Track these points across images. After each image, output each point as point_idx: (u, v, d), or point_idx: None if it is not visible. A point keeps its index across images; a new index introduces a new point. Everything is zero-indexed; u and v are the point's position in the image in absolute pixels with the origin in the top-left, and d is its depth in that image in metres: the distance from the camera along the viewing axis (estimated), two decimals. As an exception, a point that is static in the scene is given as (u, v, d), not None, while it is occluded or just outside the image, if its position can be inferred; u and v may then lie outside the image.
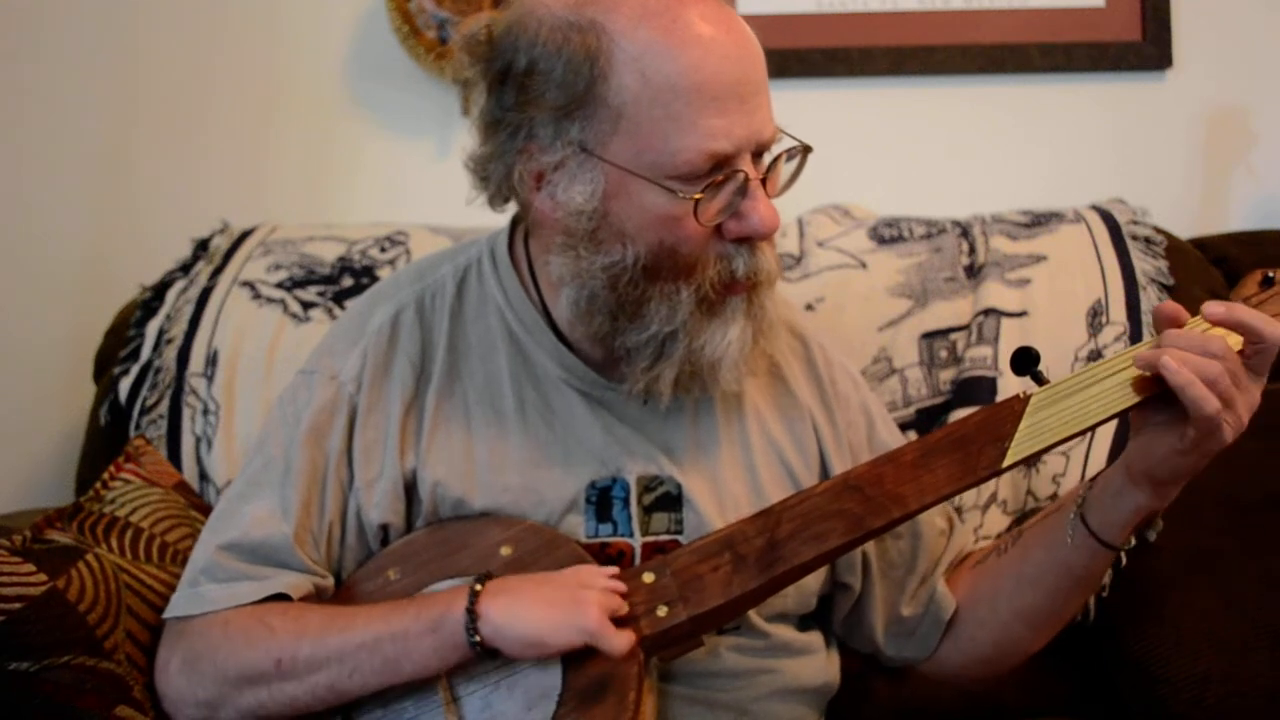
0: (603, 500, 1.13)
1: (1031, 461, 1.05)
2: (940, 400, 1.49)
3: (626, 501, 1.14)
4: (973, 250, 1.57)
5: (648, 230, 1.04)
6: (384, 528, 1.13)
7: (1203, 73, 1.87)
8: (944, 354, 1.50)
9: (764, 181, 1.05)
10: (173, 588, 1.17)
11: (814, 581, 1.19)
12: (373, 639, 1.03)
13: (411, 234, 1.64)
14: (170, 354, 1.53)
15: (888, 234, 1.60)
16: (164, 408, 1.51)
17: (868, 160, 1.81)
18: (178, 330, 1.55)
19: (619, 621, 1.02)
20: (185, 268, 1.63)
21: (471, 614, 1.01)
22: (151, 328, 1.57)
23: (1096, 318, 1.48)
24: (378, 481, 1.13)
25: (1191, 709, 1.27)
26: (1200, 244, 1.65)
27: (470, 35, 1.08)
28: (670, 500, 1.14)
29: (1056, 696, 1.42)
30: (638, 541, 1.13)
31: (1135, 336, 1.47)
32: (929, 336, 1.51)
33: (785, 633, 1.17)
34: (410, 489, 1.14)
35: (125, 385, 1.54)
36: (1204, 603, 1.32)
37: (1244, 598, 1.31)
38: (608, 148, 1.02)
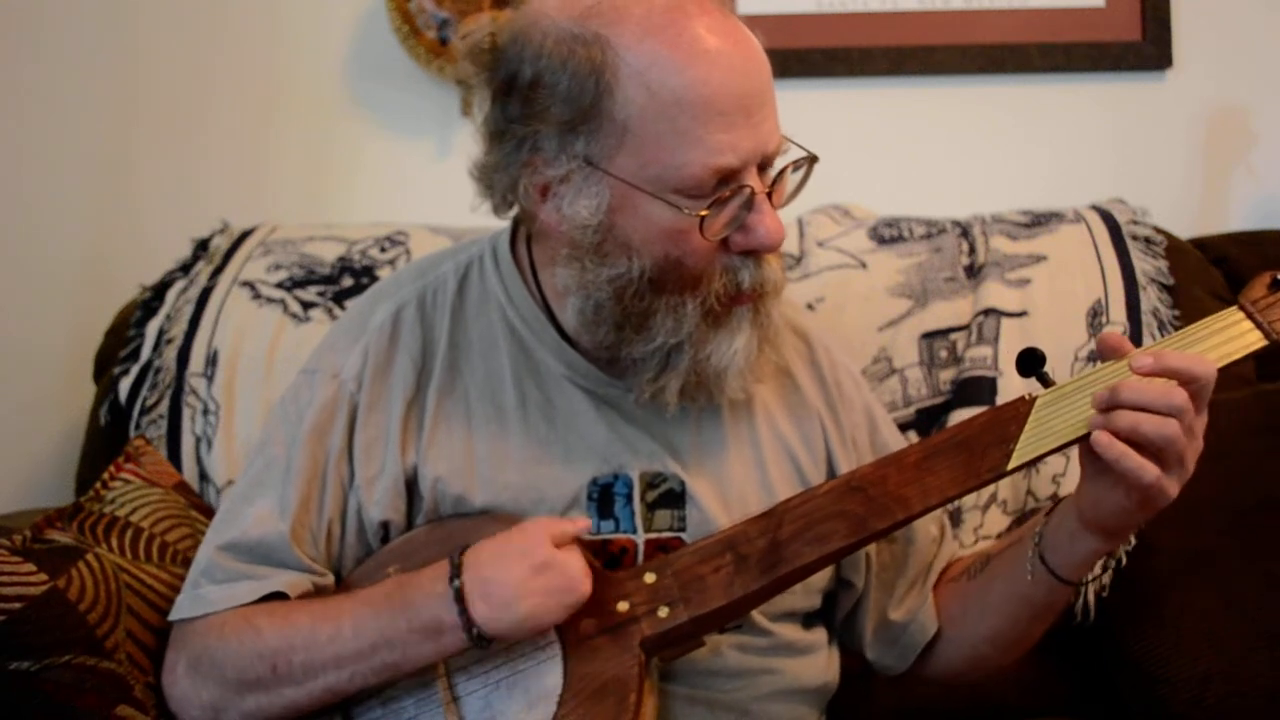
0: (604, 497, 1.13)
1: (1036, 463, 1.05)
2: (940, 400, 1.49)
3: (629, 498, 1.14)
4: (973, 250, 1.57)
5: (653, 244, 1.04)
6: (384, 525, 1.13)
7: (1203, 73, 1.88)
8: (944, 354, 1.50)
9: (770, 193, 1.05)
10: (173, 587, 1.17)
11: (820, 578, 1.19)
12: (369, 647, 1.03)
13: (411, 234, 1.64)
14: (170, 354, 1.53)
15: (888, 234, 1.60)
16: (164, 408, 1.51)
17: (868, 160, 1.81)
18: (178, 330, 1.55)
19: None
20: (185, 268, 1.63)
21: (469, 623, 1.01)
22: (151, 328, 1.57)
23: (1096, 318, 1.49)
24: (378, 479, 1.13)
25: (1191, 709, 1.27)
26: (1200, 244, 1.65)
27: (475, 43, 1.08)
28: (674, 497, 1.14)
29: (1056, 696, 1.42)
30: (640, 538, 1.13)
31: (1135, 336, 1.47)
32: (929, 336, 1.51)
33: (789, 632, 1.17)
34: (411, 486, 1.14)
35: (125, 385, 1.54)
36: (1204, 603, 1.31)
37: (1244, 598, 1.31)
38: (613, 162, 1.02)
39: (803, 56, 1.87)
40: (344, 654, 1.04)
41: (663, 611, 1.04)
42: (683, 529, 1.13)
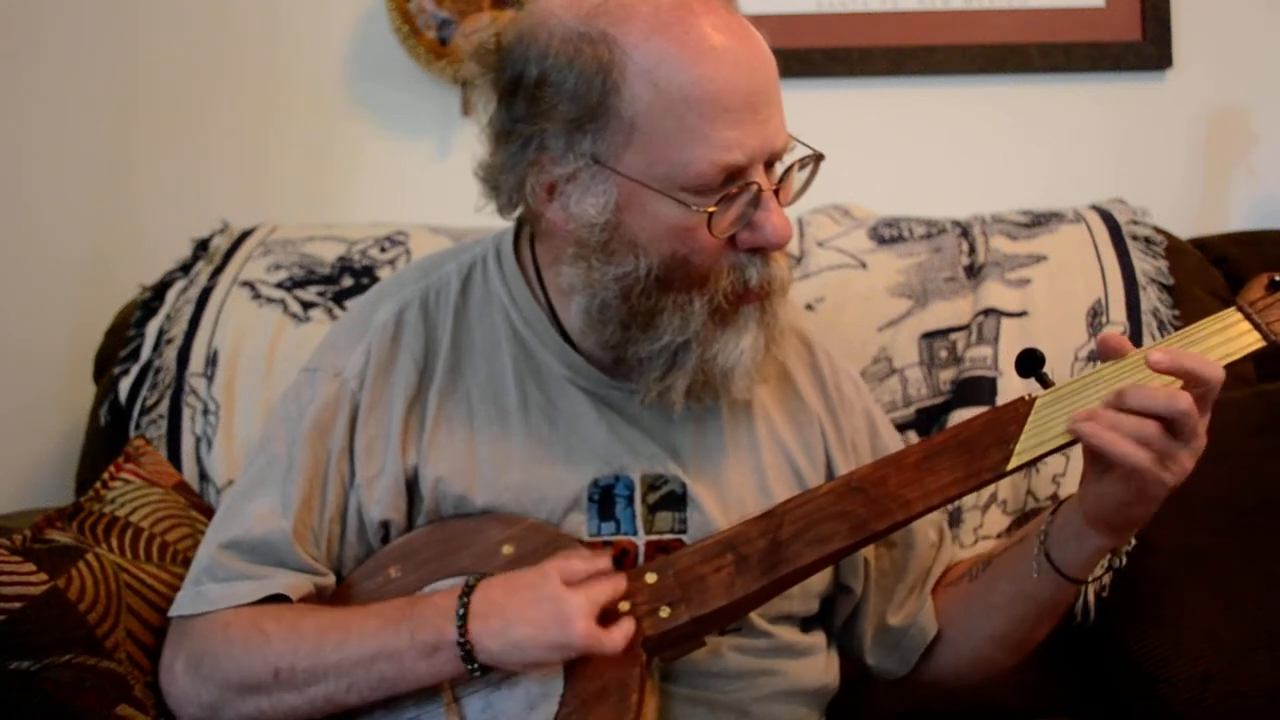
0: (605, 498, 1.13)
1: (1035, 464, 1.05)
2: (940, 400, 1.49)
3: (631, 500, 1.13)
4: (973, 250, 1.57)
5: (660, 241, 1.04)
6: (385, 525, 1.13)
7: (1203, 73, 1.88)
8: (944, 354, 1.50)
9: (776, 191, 1.05)
10: (173, 587, 1.17)
11: (818, 583, 1.19)
12: (369, 657, 1.03)
13: (411, 234, 1.64)
14: (170, 354, 1.53)
15: (888, 234, 1.60)
16: (164, 408, 1.51)
17: (868, 160, 1.81)
18: (178, 330, 1.55)
19: (613, 613, 1.02)
20: (185, 268, 1.63)
21: (465, 644, 1.00)
22: (151, 328, 1.57)
23: (1096, 318, 1.49)
24: (379, 478, 1.13)
25: (1191, 709, 1.27)
26: (1200, 244, 1.65)
27: (480, 43, 1.08)
28: (675, 499, 1.14)
29: (1056, 696, 1.42)
30: (641, 540, 1.13)
31: (1135, 336, 1.47)
32: (929, 336, 1.51)
33: (788, 634, 1.17)
34: (412, 486, 1.14)
35: (125, 385, 1.54)
36: (1204, 603, 1.31)
37: (1244, 598, 1.31)
38: (620, 160, 1.02)
39: (803, 56, 1.87)
40: (345, 662, 1.03)
41: (664, 611, 1.04)
42: (684, 531, 1.13)
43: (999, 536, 1.41)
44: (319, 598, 1.12)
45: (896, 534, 1.19)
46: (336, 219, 1.77)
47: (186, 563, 1.21)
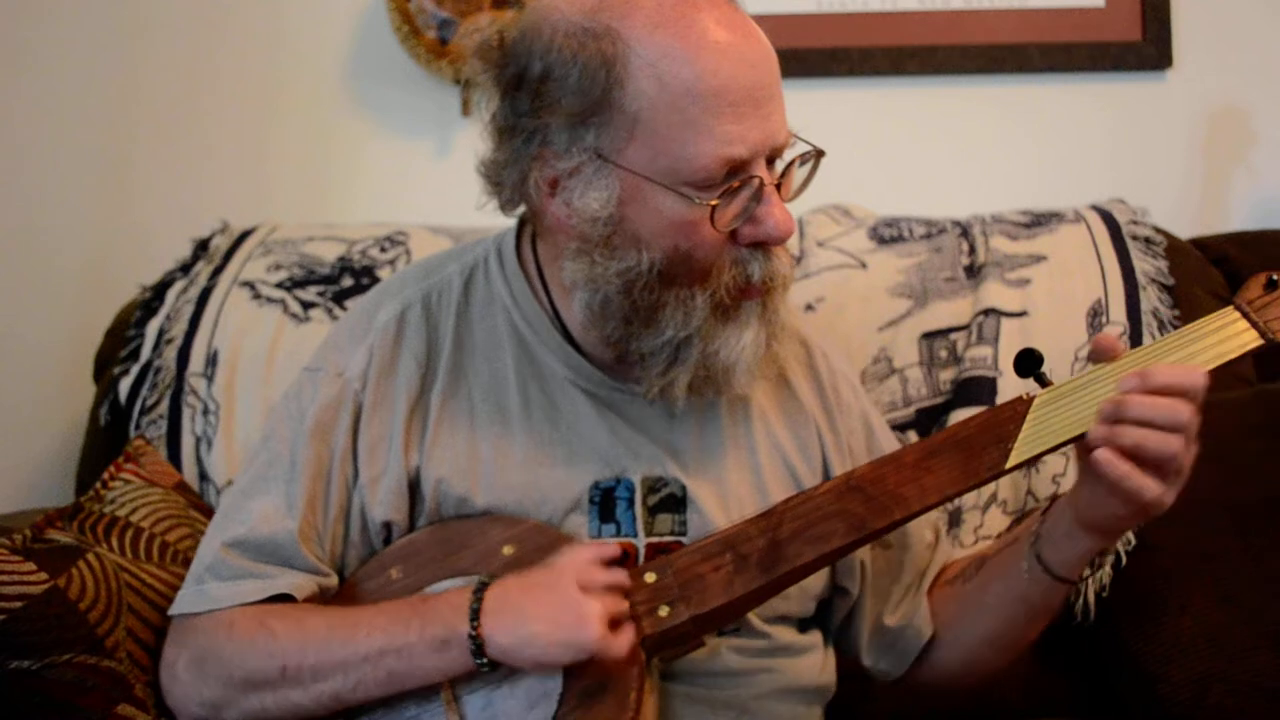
0: (606, 501, 1.13)
1: (1033, 462, 1.05)
2: (940, 400, 1.49)
3: (631, 502, 1.13)
4: (973, 250, 1.57)
5: (663, 236, 1.04)
6: (387, 525, 1.13)
7: (1203, 73, 1.88)
8: (944, 354, 1.50)
9: (778, 186, 1.05)
10: (173, 586, 1.17)
11: (815, 585, 1.19)
12: (376, 652, 1.03)
13: (411, 234, 1.64)
14: (170, 354, 1.53)
15: (888, 234, 1.60)
16: (164, 408, 1.51)
17: (868, 160, 1.81)
18: (178, 330, 1.55)
19: (619, 619, 1.02)
20: (185, 268, 1.63)
21: (476, 638, 1.01)
22: (151, 328, 1.57)
23: (1096, 318, 1.49)
24: (382, 479, 1.13)
25: (1191, 709, 1.27)
26: (1200, 244, 1.65)
27: (483, 41, 1.08)
28: (675, 502, 1.14)
29: (1057, 696, 1.42)
30: (642, 542, 1.13)
31: (1135, 336, 1.47)
32: (929, 336, 1.51)
33: (785, 634, 1.18)
34: (414, 487, 1.14)
35: (125, 385, 1.54)
36: (1204, 603, 1.31)
37: (1244, 598, 1.31)
38: (623, 154, 1.02)
39: (803, 56, 1.87)
40: (354, 658, 1.03)
41: (663, 611, 1.04)
42: (684, 533, 1.13)
43: (999, 536, 1.41)
44: (322, 598, 1.12)
45: (892, 534, 1.19)
46: (336, 219, 1.77)
47: (187, 563, 1.21)
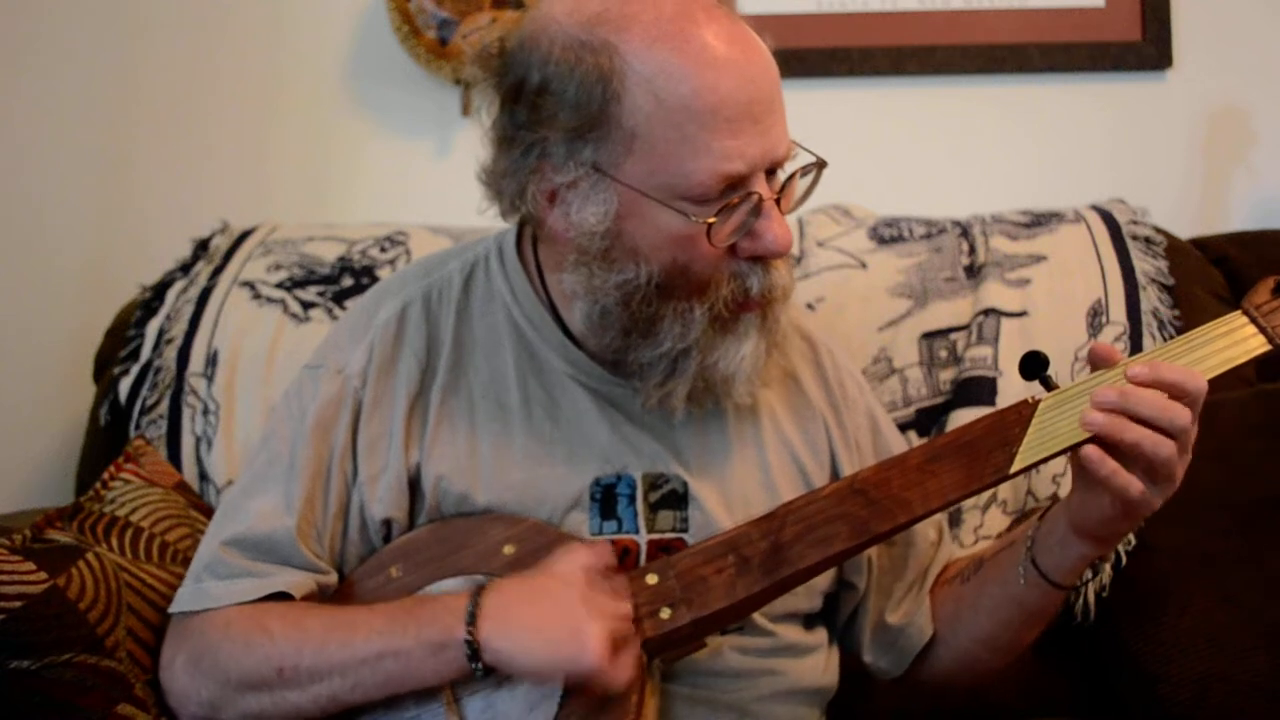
0: (607, 497, 1.13)
1: (1038, 467, 1.05)
2: (940, 400, 1.49)
3: (632, 498, 1.13)
4: (973, 250, 1.57)
5: (661, 250, 1.04)
6: (387, 523, 1.13)
7: (1203, 73, 1.88)
8: (944, 354, 1.50)
9: (778, 199, 1.05)
10: (173, 586, 1.16)
11: (823, 580, 1.19)
12: (374, 655, 1.03)
13: (411, 234, 1.64)
14: (170, 354, 1.53)
15: (888, 234, 1.60)
16: (164, 408, 1.51)
17: (868, 160, 1.81)
18: (178, 330, 1.55)
19: (621, 647, 1.01)
20: (185, 268, 1.63)
21: (472, 643, 1.00)
22: (151, 328, 1.57)
23: (1096, 318, 1.49)
24: (382, 476, 1.13)
25: (1191, 709, 1.27)
26: (1200, 244, 1.65)
27: (483, 47, 1.08)
28: (676, 498, 1.14)
29: (1056, 696, 1.42)
30: (643, 539, 1.13)
31: (1135, 336, 1.47)
32: (929, 336, 1.51)
33: (790, 633, 1.17)
34: (414, 484, 1.13)
35: (125, 385, 1.54)
36: (1204, 603, 1.31)
37: (1244, 598, 1.31)
38: (621, 169, 1.02)
39: (803, 56, 1.87)
40: (351, 660, 1.03)
41: (665, 613, 1.04)
42: (685, 530, 1.13)
43: (999, 536, 1.41)
44: (321, 596, 1.12)
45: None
46: (336, 219, 1.77)
47: (186, 562, 1.21)
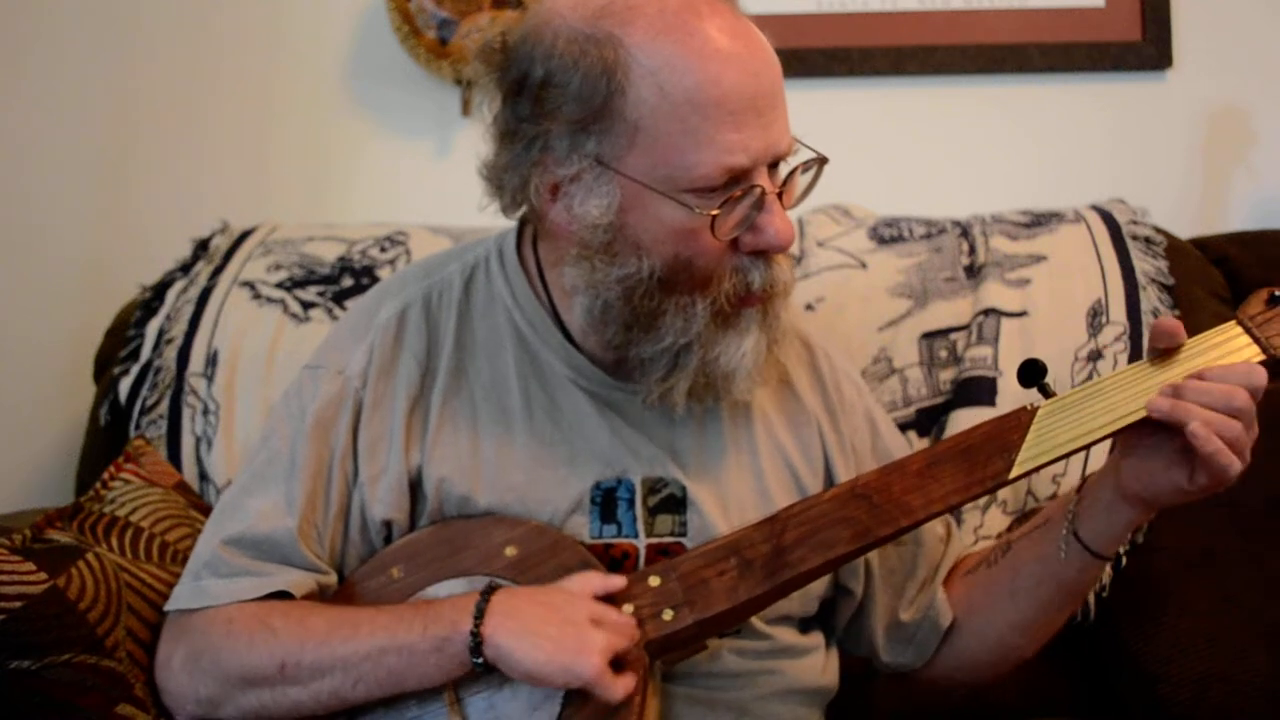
0: (607, 501, 1.13)
1: (1036, 472, 1.06)
2: (940, 400, 1.49)
3: (631, 503, 1.13)
4: (973, 250, 1.57)
5: (663, 243, 1.04)
6: (387, 524, 1.13)
7: (1203, 73, 1.88)
8: (944, 354, 1.50)
9: (780, 194, 1.05)
10: (173, 586, 1.17)
11: (818, 585, 1.19)
12: (377, 650, 1.03)
13: (411, 234, 1.64)
14: (170, 354, 1.53)
15: (888, 234, 1.60)
16: (164, 408, 1.51)
17: (868, 160, 1.81)
18: (178, 330, 1.55)
19: (622, 662, 1.02)
20: (185, 268, 1.63)
21: (476, 635, 1.00)
22: (151, 328, 1.57)
23: (1096, 318, 1.49)
24: (382, 477, 1.13)
25: (1191, 709, 1.27)
26: (1200, 244, 1.65)
27: (485, 42, 1.08)
28: (675, 503, 1.14)
29: (1056, 696, 1.42)
30: (642, 543, 1.13)
31: (1135, 336, 1.47)
32: (929, 336, 1.51)
33: (787, 635, 1.18)
34: (415, 485, 1.14)
35: (125, 385, 1.54)
36: (1204, 603, 1.32)
37: (1244, 598, 1.31)
38: (624, 161, 1.02)
39: (803, 56, 1.87)
40: (354, 656, 1.03)
41: (667, 614, 1.05)
42: (684, 534, 1.13)
43: (998, 536, 1.41)
44: (321, 596, 1.12)
45: (905, 532, 1.20)
46: (336, 219, 1.77)
47: (186, 562, 1.21)
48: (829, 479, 1.21)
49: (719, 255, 1.04)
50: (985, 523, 1.42)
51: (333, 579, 1.13)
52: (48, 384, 1.81)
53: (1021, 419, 1.04)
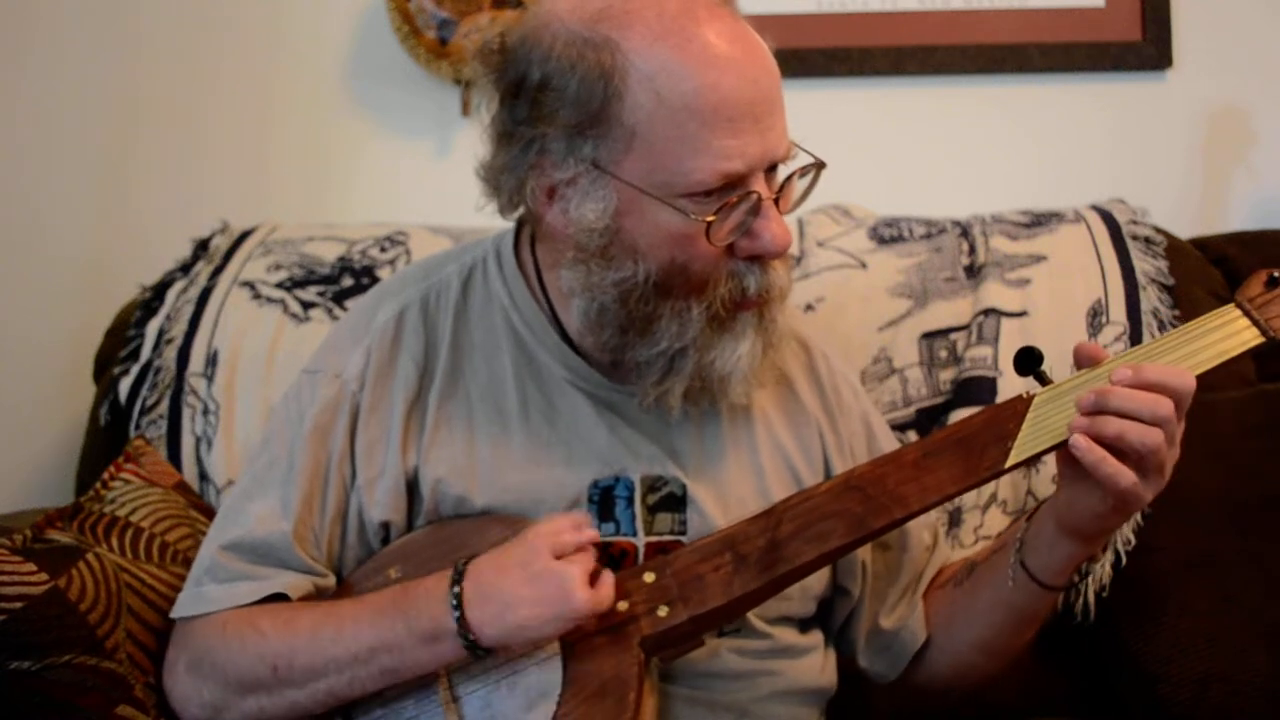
0: (605, 499, 1.13)
1: (1033, 461, 1.05)
2: (940, 400, 1.49)
3: (630, 501, 1.13)
4: (973, 250, 1.57)
5: (660, 248, 1.04)
6: (385, 526, 1.13)
7: (1203, 73, 1.88)
8: (944, 354, 1.50)
9: (777, 199, 1.05)
10: (173, 587, 1.17)
11: (816, 585, 1.19)
12: (367, 650, 1.03)
13: (411, 234, 1.64)
14: (170, 354, 1.53)
15: (888, 234, 1.60)
16: (164, 408, 1.51)
17: (868, 160, 1.81)
18: (178, 330, 1.55)
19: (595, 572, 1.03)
20: (185, 268, 1.63)
21: (465, 632, 1.01)
22: (151, 328, 1.57)
23: (1096, 318, 1.49)
24: (380, 479, 1.13)
25: (1191, 709, 1.27)
26: (1200, 244, 1.65)
27: (484, 43, 1.08)
28: (674, 501, 1.14)
29: (1056, 696, 1.42)
30: (641, 541, 1.13)
31: (1135, 336, 1.47)
32: (929, 336, 1.51)
33: (786, 635, 1.18)
34: (412, 487, 1.14)
35: (125, 385, 1.54)
36: (1204, 603, 1.31)
37: (1244, 597, 1.31)
38: (621, 166, 1.02)
39: (803, 56, 1.87)
40: (344, 657, 1.04)
41: (662, 611, 1.04)
42: (683, 532, 1.13)
43: (998, 536, 1.41)
44: (319, 598, 1.12)
45: (891, 536, 1.20)
46: (336, 219, 1.77)
47: (187, 563, 1.21)
48: (828, 479, 1.21)
49: (715, 260, 1.04)
50: (985, 522, 1.42)
51: (331, 581, 1.13)
52: (48, 384, 1.81)
53: (1017, 407, 1.04)
